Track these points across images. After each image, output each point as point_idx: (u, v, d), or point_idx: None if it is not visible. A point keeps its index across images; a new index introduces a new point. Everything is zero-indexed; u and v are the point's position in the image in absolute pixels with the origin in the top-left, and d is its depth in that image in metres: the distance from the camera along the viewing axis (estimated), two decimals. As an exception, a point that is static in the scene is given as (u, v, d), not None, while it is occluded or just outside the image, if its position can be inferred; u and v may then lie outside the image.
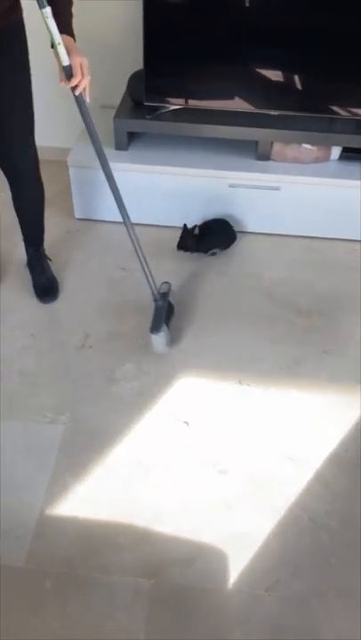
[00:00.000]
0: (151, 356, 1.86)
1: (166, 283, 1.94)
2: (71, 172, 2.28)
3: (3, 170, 1.86)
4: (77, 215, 2.42)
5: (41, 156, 2.80)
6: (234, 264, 2.26)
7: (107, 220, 2.41)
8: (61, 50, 1.37)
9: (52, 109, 2.67)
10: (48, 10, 1.29)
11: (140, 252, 1.80)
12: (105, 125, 2.38)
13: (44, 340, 1.92)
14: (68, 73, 1.44)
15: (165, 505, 1.49)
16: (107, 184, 2.28)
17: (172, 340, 1.89)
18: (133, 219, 2.39)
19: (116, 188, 1.75)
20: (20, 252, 2.22)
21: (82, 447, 1.61)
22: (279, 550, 1.42)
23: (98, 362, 1.85)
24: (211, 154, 2.29)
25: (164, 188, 2.28)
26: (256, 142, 2.25)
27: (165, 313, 1.86)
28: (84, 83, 1.48)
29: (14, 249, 2.28)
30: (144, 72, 2.14)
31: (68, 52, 1.42)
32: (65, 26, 1.48)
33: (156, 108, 2.24)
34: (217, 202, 2.30)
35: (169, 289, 1.93)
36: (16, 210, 2.00)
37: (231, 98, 2.23)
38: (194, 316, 2.03)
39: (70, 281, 2.15)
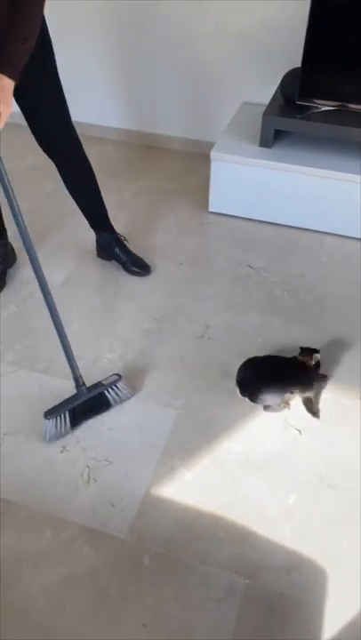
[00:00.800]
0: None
1: (116, 375, 1.66)
2: (213, 165, 2.31)
3: (47, 153, 1.85)
4: (211, 209, 2.44)
5: (185, 148, 2.89)
6: (367, 275, 2.17)
7: (239, 216, 2.42)
8: None
9: (199, 105, 2.73)
10: None
11: (64, 339, 1.58)
12: (250, 122, 2.39)
13: (167, 325, 1.97)
14: None
15: (269, 508, 1.47)
16: (247, 181, 2.30)
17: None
18: (267, 217, 2.39)
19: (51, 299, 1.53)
20: (153, 240, 2.30)
21: (192, 435, 1.63)
22: (384, 580, 1.34)
23: (215, 354, 1.86)
24: (358, 159, 2.21)
25: (305, 189, 2.24)
26: None
27: (81, 404, 1.61)
28: None
29: (149, 237, 2.36)
30: (301, 70, 2.11)
31: None
32: (5, 62, 1.39)
33: (307, 108, 2.20)
34: (357, 208, 2.21)
35: (112, 383, 1.65)
36: (72, 195, 1.99)
37: (388, 103, 2.13)
38: (318, 321, 1.97)
39: (196, 272, 2.19)
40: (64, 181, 1.95)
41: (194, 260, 2.24)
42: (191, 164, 2.74)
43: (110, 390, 1.66)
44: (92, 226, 2.13)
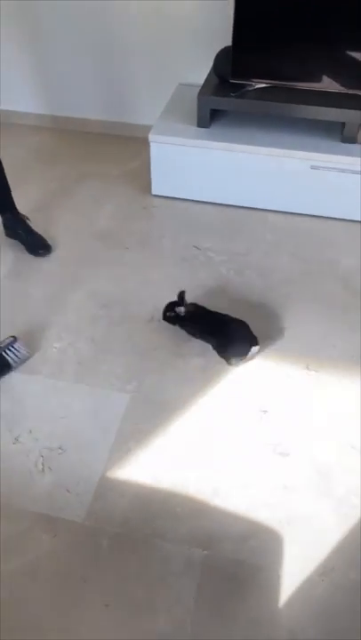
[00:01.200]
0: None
1: (12, 337, 1.74)
2: (152, 148, 2.30)
3: None
4: (154, 192, 2.44)
5: (123, 132, 2.87)
6: (309, 249, 2.21)
7: (183, 197, 2.42)
8: None
9: (136, 89, 2.71)
10: None
11: None
12: (187, 102, 2.39)
13: (115, 310, 1.97)
14: None
15: (224, 481, 1.50)
16: (187, 162, 2.30)
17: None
18: (210, 197, 2.40)
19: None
20: (97, 226, 2.28)
21: (146, 416, 1.64)
22: (336, 538, 1.39)
23: (165, 336, 1.87)
24: (294, 134, 2.25)
25: (244, 167, 2.26)
26: (343, 124, 2.18)
27: None
28: None
29: (93, 223, 2.34)
30: (232, 49, 2.11)
31: None
32: None
33: (242, 86, 2.22)
34: (297, 183, 2.26)
35: (9, 344, 1.72)
36: None
37: (319, 78, 2.17)
38: (264, 297, 2.01)
39: (143, 256, 2.19)
40: None
41: (140, 244, 2.24)
42: (132, 148, 2.72)
43: (8, 352, 1.72)
44: None
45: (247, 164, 2.25)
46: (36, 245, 2.17)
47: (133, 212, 2.39)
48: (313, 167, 2.17)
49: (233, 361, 1.75)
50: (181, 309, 1.80)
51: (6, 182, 2.09)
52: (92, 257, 2.18)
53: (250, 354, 1.73)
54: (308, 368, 1.76)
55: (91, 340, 1.86)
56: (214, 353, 1.80)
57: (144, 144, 2.36)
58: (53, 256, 2.18)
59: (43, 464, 1.52)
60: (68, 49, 2.65)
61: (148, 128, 2.34)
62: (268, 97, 2.19)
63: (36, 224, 2.31)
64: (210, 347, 1.82)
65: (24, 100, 2.87)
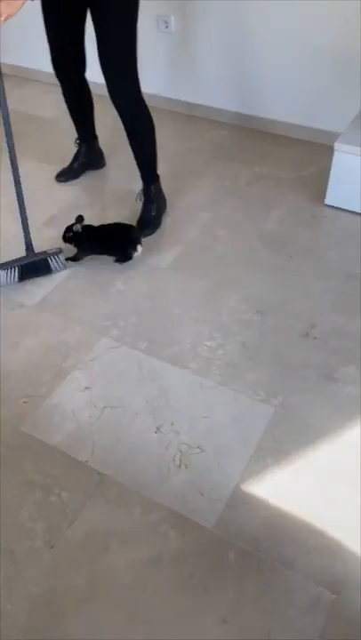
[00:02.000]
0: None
1: (59, 248, 2.02)
2: (335, 156, 2.19)
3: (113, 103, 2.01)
4: (328, 201, 2.33)
5: (303, 136, 2.78)
6: None
7: (358, 212, 2.29)
8: None
9: (325, 93, 2.61)
10: None
11: (23, 209, 1.94)
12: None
13: (270, 318, 1.91)
14: None
15: (365, 524, 1.39)
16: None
17: None
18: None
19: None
20: (264, 229, 2.24)
21: (288, 435, 1.57)
22: None
23: (319, 355, 1.79)
24: None
25: None
26: None
27: (29, 264, 1.98)
28: None
29: (261, 226, 2.30)
30: None
31: None
32: None
33: None
34: None
35: (55, 253, 2.00)
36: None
37: None
38: None
39: (306, 267, 2.10)
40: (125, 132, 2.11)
41: (305, 254, 2.15)
42: (310, 153, 2.63)
43: (53, 258, 2.01)
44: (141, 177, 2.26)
45: None
46: (142, 223, 2.24)
47: (302, 220, 2.31)
48: None
49: (132, 254, 2.06)
50: (78, 226, 2.02)
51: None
52: (254, 260, 2.14)
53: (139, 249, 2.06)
54: None
55: (241, 344, 1.83)
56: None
57: (323, 151, 2.27)
58: (217, 253, 2.18)
59: (180, 460, 1.53)
60: (260, 48, 2.62)
61: (330, 135, 2.24)
62: None
63: (202, 218, 2.34)
64: None
65: (208, 93, 2.90)
